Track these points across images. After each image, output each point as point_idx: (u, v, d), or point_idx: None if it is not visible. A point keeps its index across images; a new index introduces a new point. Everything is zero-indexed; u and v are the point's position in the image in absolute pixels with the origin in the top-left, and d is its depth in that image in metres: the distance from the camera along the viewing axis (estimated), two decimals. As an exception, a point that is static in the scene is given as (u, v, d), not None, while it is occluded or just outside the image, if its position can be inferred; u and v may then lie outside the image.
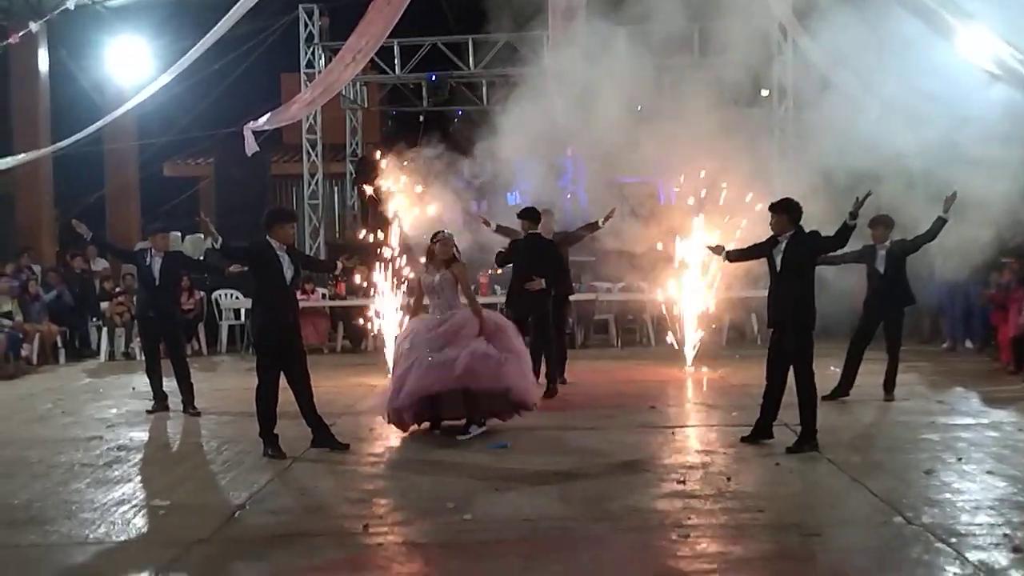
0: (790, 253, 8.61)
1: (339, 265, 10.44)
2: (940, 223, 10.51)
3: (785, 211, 8.69)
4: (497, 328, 9.77)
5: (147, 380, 11.43)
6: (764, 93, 18.46)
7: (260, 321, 8.92)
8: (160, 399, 11.38)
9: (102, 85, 22.14)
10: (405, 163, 17.43)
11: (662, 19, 14.39)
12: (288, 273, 8.82)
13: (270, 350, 8.80)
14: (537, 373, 11.04)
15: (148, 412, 11.23)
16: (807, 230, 8.72)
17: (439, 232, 10.03)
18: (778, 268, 8.68)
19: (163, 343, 11.42)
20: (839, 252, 9.37)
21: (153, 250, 11.33)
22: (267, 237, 8.83)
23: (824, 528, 6.37)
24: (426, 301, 10.07)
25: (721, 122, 13.60)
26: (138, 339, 16.78)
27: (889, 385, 10.98)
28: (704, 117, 13.49)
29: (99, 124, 17.53)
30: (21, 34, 18.08)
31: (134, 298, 17.07)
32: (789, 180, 13.39)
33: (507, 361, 9.50)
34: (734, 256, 9.75)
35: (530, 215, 11.95)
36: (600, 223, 12.96)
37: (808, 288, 8.62)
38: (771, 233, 8.82)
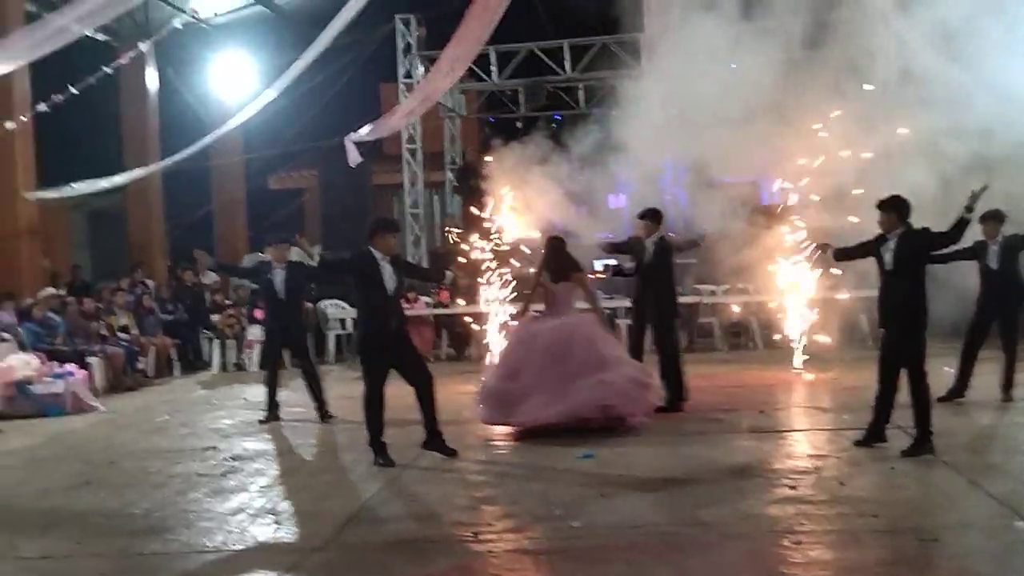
0: (900, 251, 8.41)
1: (448, 274, 10.56)
2: None
3: (894, 208, 8.49)
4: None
5: (263, 391, 11.63)
6: (868, 87, 18.09)
7: (364, 330, 9.04)
8: (273, 409, 11.58)
9: (208, 101, 22.73)
10: (505, 169, 17.54)
11: (761, 14, 14.19)
12: (390, 283, 8.87)
13: (375, 359, 8.89)
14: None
15: (260, 423, 11.44)
16: (917, 227, 8.51)
17: (555, 237, 10.38)
18: (888, 267, 8.49)
19: (291, 355, 11.53)
20: (950, 249, 9.12)
21: (274, 263, 11.48)
22: (370, 247, 8.94)
23: (941, 532, 6.24)
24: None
25: (823, 117, 13.36)
26: (249, 350, 17.25)
27: (1007, 385, 10.67)
28: (806, 113, 13.26)
29: (207, 140, 18.00)
30: (131, 54, 18.66)
31: (243, 310, 17.55)
32: (896, 175, 13.08)
33: (650, 387, 10.07)
34: (841, 255, 9.57)
35: (654, 217, 11.46)
36: (700, 241, 12.47)
37: (919, 287, 8.41)
38: (879, 231, 8.63)
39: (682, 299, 16.54)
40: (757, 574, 5.82)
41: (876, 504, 6.96)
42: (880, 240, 8.58)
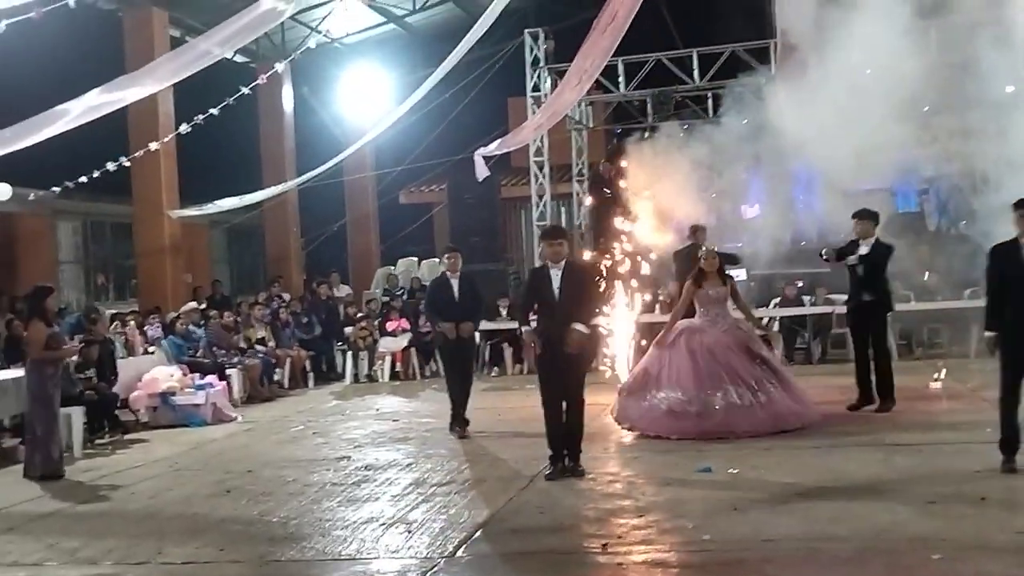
0: None
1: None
2: None
3: None
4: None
5: (451, 400, 11.52)
6: (1009, 89, 17.44)
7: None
8: (463, 422, 11.42)
9: (341, 119, 23.26)
10: (637, 179, 17.51)
11: (894, 19, 13.84)
12: (555, 290, 8.85)
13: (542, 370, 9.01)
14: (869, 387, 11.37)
15: (459, 438, 11.19)
16: None
17: (703, 247, 10.93)
18: None
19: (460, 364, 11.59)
20: None
21: (449, 273, 11.61)
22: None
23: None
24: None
25: (962, 122, 12.95)
26: (381, 362, 17.52)
27: None
28: (942, 118, 12.88)
29: (340, 157, 18.41)
30: (268, 74, 19.20)
31: (375, 323, 17.83)
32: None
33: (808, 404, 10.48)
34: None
35: (871, 216, 11.57)
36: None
37: None
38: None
39: (814, 309, 16.36)
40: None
41: (1021, 520, 6.70)
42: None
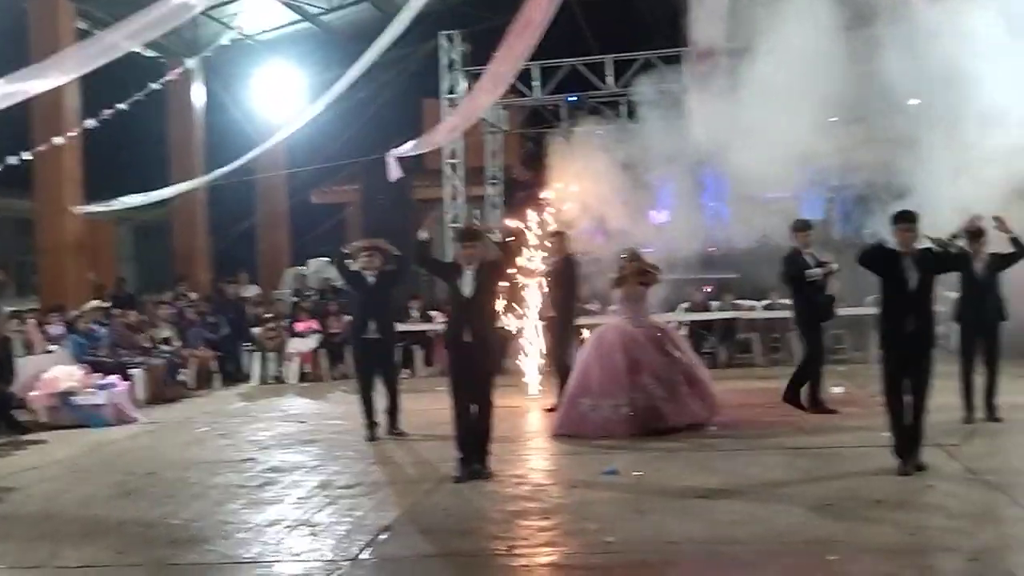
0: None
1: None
2: None
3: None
4: None
5: (361, 406, 11.17)
6: (913, 101, 17.88)
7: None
8: (374, 427, 11.13)
9: (253, 116, 22.96)
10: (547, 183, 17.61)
11: (804, 30, 14.10)
12: (466, 289, 8.83)
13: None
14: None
15: (369, 440, 10.93)
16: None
17: (626, 250, 11.17)
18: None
19: (379, 366, 11.24)
20: None
21: (367, 271, 11.16)
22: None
23: (979, 553, 6.11)
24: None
25: (869, 132, 13.23)
26: (288, 363, 17.35)
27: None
28: (850, 128, 13.16)
29: (251, 154, 18.19)
30: (179, 71, 18.92)
31: (284, 323, 17.65)
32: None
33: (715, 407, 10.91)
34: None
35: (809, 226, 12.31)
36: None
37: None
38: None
39: (721, 314, 16.65)
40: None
41: (914, 521, 6.89)
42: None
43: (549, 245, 12.91)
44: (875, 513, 7.15)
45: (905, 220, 8.47)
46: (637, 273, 10.99)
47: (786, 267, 12.02)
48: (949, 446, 9.11)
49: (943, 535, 6.65)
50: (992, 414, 10.48)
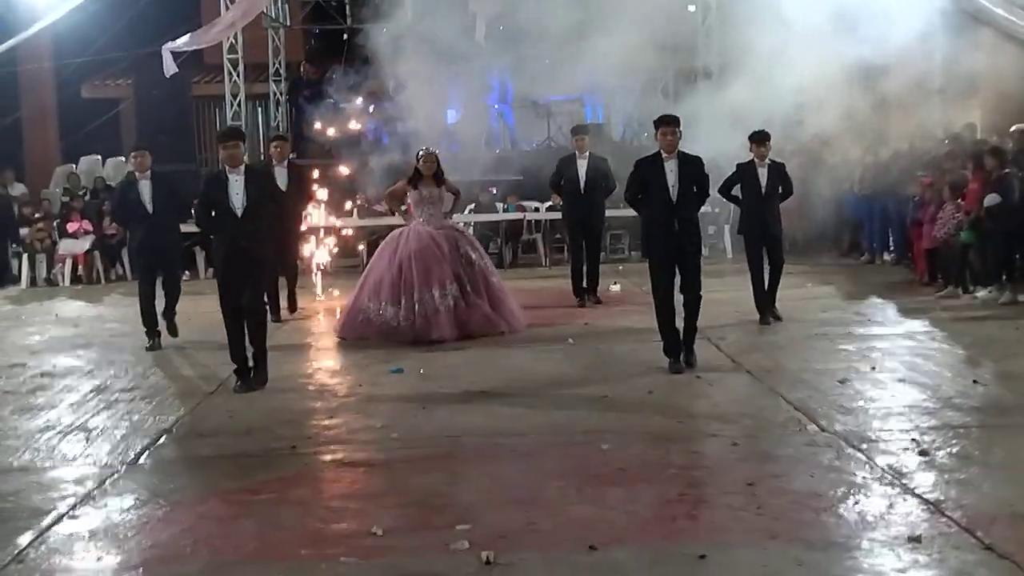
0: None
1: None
2: None
3: None
4: None
5: (140, 314, 10.52)
6: (691, 8, 18.38)
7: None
8: (156, 335, 10.55)
9: (12, 2, 21.44)
10: (332, 83, 17.34)
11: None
12: (237, 200, 8.28)
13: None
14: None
15: (147, 350, 10.36)
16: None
17: (424, 148, 10.71)
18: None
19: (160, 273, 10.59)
20: None
21: (137, 173, 10.40)
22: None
23: (740, 438, 6.54)
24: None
25: (650, 37, 13.49)
26: (61, 265, 16.61)
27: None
28: (630, 32, 13.39)
29: (10, 43, 17.02)
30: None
31: (54, 224, 16.85)
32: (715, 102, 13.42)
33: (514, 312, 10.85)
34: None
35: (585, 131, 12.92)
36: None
37: None
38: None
39: (506, 216, 16.92)
40: (573, 478, 5.97)
41: (683, 411, 7.30)
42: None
43: (273, 151, 12.43)
44: (647, 404, 7.52)
45: (666, 124, 8.63)
46: (433, 175, 10.62)
47: (555, 172, 12.66)
48: (718, 340, 9.64)
49: (708, 422, 7.09)
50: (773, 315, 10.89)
